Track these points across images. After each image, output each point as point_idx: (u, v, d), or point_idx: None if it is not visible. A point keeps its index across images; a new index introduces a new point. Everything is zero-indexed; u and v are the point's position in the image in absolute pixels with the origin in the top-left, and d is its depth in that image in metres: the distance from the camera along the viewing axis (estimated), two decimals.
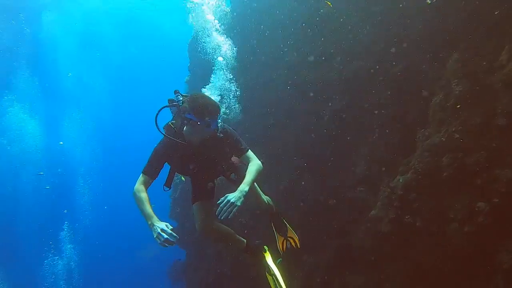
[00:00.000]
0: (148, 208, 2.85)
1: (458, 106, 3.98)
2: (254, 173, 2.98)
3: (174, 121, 3.10)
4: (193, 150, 3.03)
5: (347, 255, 5.71)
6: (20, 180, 19.32)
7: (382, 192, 4.79)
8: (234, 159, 3.41)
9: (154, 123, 2.93)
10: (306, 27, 6.48)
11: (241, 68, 7.29)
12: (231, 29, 7.75)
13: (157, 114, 2.97)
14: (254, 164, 3.06)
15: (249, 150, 3.18)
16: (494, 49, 3.84)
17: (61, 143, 18.16)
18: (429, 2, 4.65)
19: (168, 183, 3.24)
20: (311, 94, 6.43)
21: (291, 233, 4.09)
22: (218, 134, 3.04)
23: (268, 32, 7.21)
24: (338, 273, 5.72)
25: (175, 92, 3.13)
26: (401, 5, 5.09)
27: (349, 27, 5.79)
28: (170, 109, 3.18)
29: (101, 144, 21.43)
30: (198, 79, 8.91)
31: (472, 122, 3.89)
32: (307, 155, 6.61)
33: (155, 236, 2.67)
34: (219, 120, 2.97)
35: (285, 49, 6.84)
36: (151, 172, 2.99)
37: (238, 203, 2.68)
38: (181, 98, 3.05)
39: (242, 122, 6.92)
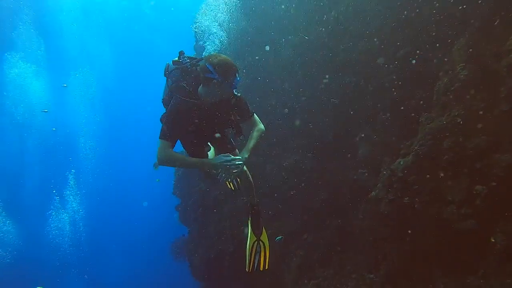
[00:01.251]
0: (190, 158, 2.86)
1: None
2: (257, 138, 3.07)
3: (185, 82, 2.98)
4: (207, 110, 2.94)
5: (346, 235, 5.88)
6: (24, 140, 19.63)
7: (382, 174, 4.88)
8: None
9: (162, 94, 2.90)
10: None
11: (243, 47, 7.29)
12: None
13: (168, 70, 2.99)
14: (258, 130, 3.11)
15: (255, 114, 3.21)
16: (502, 35, 3.83)
17: (45, 110, 18.11)
18: None
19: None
20: (315, 73, 6.43)
21: (264, 237, 3.77)
22: (236, 94, 3.01)
23: None
24: (337, 251, 5.90)
25: (180, 53, 3.10)
26: None
27: (357, 8, 5.73)
28: (171, 73, 3.09)
29: (105, 108, 21.65)
30: None
31: (475, 107, 3.94)
32: (310, 136, 6.68)
33: (221, 173, 2.71)
34: (239, 79, 2.89)
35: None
36: (174, 136, 2.87)
37: (240, 169, 2.74)
38: (188, 60, 3.02)
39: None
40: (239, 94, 3.08)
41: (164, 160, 2.84)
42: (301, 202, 6.72)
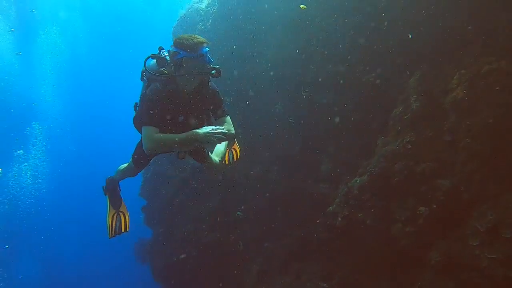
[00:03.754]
0: (179, 135, 2.74)
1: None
2: (225, 145, 3.31)
3: (165, 68, 2.92)
4: (184, 99, 2.93)
5: (305, 245, 6.19)
6: None
7: (340, 190, 5.24)
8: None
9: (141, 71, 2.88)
10: (288, 27, 6.74)
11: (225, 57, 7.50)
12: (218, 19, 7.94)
13: (146, 61, 2.91)
14: (229, 135, 2.97)
15: (228, 116, 3.15)
16: (451, 73, 4.29)
17: (19, 53, 17.85)
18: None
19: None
20: (288, 92, 6.75)
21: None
22: (209, 85, 3.00)
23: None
24: (295, 260, 6.20)
25: (159, 48, 3.09)
26: (381, 15, 5.43)
27: (327, 31, 6.10)
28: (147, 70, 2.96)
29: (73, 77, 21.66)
30: None
31: (423, 135, 4.37)
32: (277, 149, 6.97)
33: (209, 140, 2.69)
34: (208, 49, 2.82)
35: (266, 46, 7.08)
36: (157, 121, 2.80)
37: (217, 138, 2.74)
38: (167, 54, 2.99)
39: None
40: (217, 89, 3.09)
41: (155, 147, 2.77)
42: (264, 211, 6.99)
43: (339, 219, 5.07)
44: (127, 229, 3.99)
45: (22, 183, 16.82)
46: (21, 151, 17.13)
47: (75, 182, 24.73)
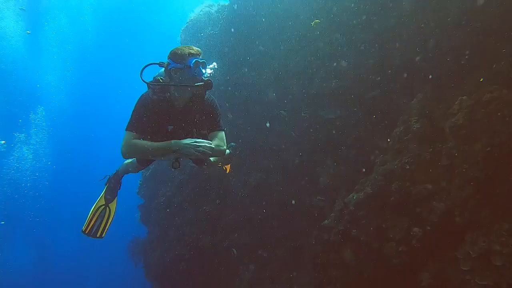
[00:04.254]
0: (156, 143, 2.69)
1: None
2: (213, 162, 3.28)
3: (163, 77, 2.89)
4: (176, 109, 2.88)
5: (298, 256, 6.23)
6: None
7: (337, 205, 5.29)
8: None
9: (140, 76, 2.80)
10: (292, 40, 6.82)
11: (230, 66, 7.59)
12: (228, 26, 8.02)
13: (143, 69, 2.87)
14: (217, 151, 2.85)
15: (223, 131, 3.05)
16: (453, 97, 4.35)
17: (28, 31, 18.02)
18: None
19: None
20: (291, 102, 6.83)
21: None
22: (206, 98, 2.92)
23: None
24: (287, 270, 6.24)
25: (160, 64, 3.03)
26: (388, 34, 5.50)
27: (334, 46, 6.18)
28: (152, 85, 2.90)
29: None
30: None
31: (422, 158, 4.42)
32: (277, 159, 7.02)
33: (189, 152, 2.59)
34: (205, 71, 2.79)
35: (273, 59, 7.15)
36: (140, 128, 2.76)
37: (206, 150, 2.64)
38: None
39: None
40: (215, 102, 3.00)
41: (127, 151, 2.72)
42: (260, 219, 7.04)
43: (333, 233, 5.11)
44: (103, 236, 3.93)
45: (23, 166, 16.97)
46: (23, 134, 17.30)
47: (75, 172, 24.80)
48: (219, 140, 2.96)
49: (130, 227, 11.86)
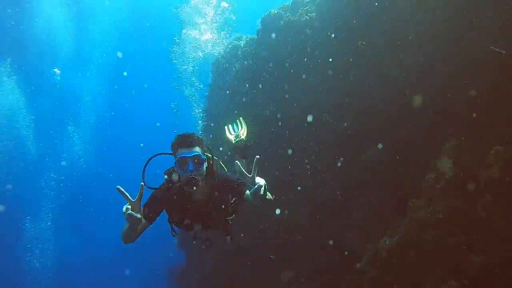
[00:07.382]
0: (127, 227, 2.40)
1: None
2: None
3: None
4: (193, 204, 2.69)
5: None
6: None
7: (369, 249, 5.23)
8: None
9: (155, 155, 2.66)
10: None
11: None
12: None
13: (146, 165, 2.67)
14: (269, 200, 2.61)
15: (248, 191, 2.65)
16: (488, 145, 4.21)
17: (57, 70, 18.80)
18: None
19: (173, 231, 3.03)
20: (323, 136, 6.84)
21: None
22: (213, 181, 2.67)
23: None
24: None
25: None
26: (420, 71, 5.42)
27: (365, 86, 6.18)
28: None
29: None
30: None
31: (457, 207, 4.30)
32: (308, 193, 7.04)
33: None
34: (196, 154, 2.49)
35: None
36: (145, 214, 2.52)
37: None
38: None
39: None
40: (225, 176, 2.77)
41: (122, 237, 2.51)
42: (295, 254, 7.05)
43: (366, 279, 5.06)
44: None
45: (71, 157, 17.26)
46: (72, 127, 17.83)
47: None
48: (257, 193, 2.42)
49: (167, 252, 12.13)
